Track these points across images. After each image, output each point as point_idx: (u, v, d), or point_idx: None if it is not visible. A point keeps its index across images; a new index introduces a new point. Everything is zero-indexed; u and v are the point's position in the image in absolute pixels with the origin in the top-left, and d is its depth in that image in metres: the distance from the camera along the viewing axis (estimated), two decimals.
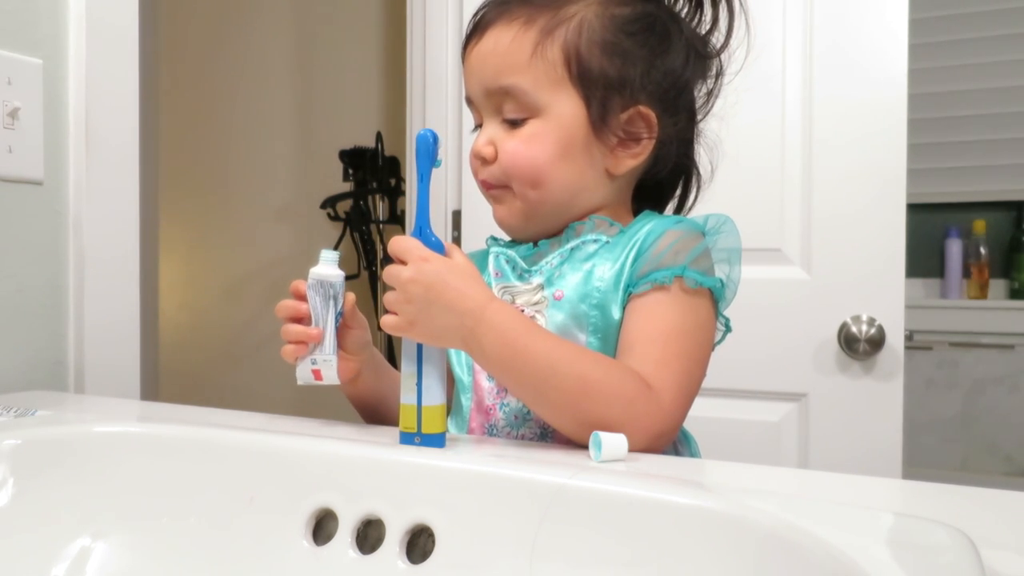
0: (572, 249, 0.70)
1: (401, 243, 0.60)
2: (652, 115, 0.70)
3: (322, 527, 0.54)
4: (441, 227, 1.53)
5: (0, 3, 0.91)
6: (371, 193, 2.27)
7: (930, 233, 2.29)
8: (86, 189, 0.97)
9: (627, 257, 0.67)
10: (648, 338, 0.64)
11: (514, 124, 0.69)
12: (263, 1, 2.49)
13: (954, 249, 2.25)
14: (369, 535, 0.53)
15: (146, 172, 1.21)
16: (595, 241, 0.70)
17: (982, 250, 2.23)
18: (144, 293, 1.12)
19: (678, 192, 0.79)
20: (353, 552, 0.52)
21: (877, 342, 1.19)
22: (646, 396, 0.60)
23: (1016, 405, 2.19)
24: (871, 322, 1.20)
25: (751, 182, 1.26)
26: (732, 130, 1.27)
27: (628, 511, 0.46)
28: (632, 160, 0.71)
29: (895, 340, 1.20)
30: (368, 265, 2.29)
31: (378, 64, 2.33)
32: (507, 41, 0.68)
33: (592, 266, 0.68)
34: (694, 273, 0.65)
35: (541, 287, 0.70)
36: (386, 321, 0.60)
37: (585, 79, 0.68)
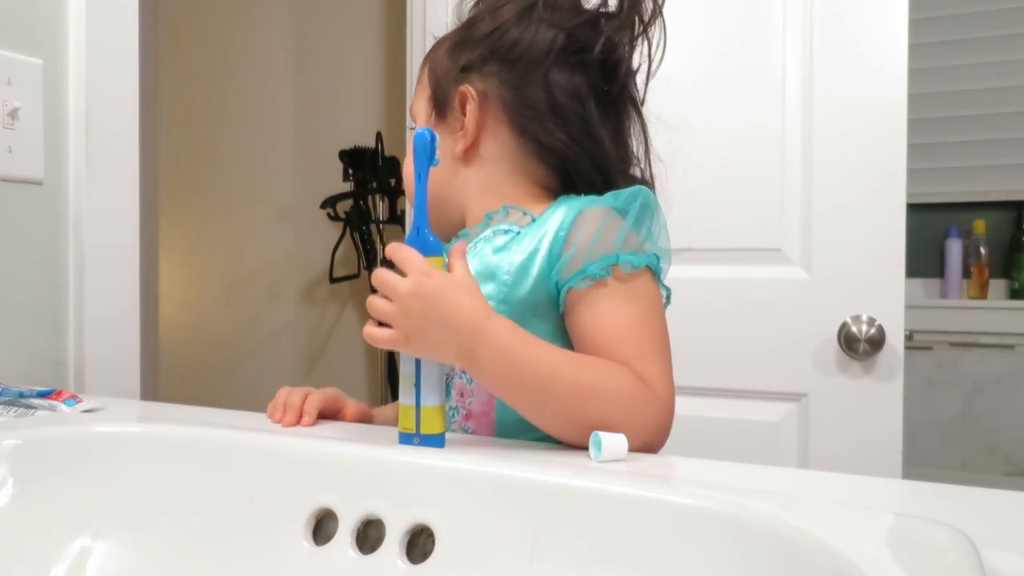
0: (483, 239, 0.71)
1: (402, 252, 0.59)
2: (470, 88, 0.74)
3: (322, 527, 0.54)
4: None
5: (0, 3, 0.90)
6: (371, 193, 2.26)
7: (930, 233, 2.28)
8: (86, 189, 0.97)
9: (540, 242, 0.67)
10: (615, 336, 0.63)
11: None
12: (263, 1, 2.49)
13: (954, 249, 2.25)
14: (369, 535, 0.53)
15: (146, 172, 1.21)
16: (506, 232, 0.70)
17: (982, 250, 2.23)
18: (144, 293, 1.12)
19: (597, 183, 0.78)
20: (353, 552, 0.52)
21: (877, 342, 1.19)
22: (643, 392, 0.60)
23: (1016, 405, 2.19)
24: (871, 322, 1.20)
25: (751, 182, 1.26)
26: (733, 130, 1.28)
27: (628, 511, 0.46)
28: (465, 139, 0.74)
29: (895, 340, 1.19)
30: (368, 265, 2.29)
31: (378, 64, 2.33)
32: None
33: (499, 260, 0.69)
34: (628, 256, 0.65)
35: None
36: (379, 335, 0.58)
37: (433, 77, 0.77)
